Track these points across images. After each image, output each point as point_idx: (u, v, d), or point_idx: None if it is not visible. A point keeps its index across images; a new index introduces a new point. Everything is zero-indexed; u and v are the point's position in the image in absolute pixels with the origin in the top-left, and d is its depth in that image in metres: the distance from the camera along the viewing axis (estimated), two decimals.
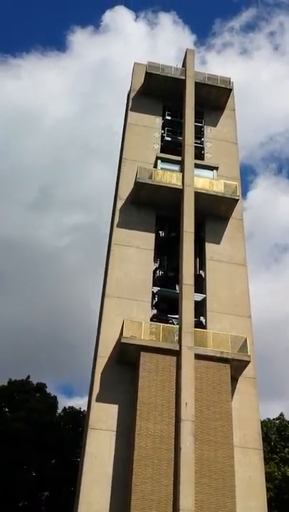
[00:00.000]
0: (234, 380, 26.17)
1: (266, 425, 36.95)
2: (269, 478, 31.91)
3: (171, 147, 34.93)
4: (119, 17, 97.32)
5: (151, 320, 28.04)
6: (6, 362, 54.37)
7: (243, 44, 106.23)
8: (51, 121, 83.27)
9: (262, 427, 30.43)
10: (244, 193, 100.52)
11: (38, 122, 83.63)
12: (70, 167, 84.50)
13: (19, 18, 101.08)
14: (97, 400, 24.89)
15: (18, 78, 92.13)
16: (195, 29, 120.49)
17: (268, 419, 38.36)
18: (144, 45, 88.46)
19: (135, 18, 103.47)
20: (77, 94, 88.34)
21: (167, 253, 32.12)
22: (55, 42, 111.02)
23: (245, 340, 26.54)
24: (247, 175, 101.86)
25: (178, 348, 25.59)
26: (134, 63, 38.50)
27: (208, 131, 36.11)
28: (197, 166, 32.51)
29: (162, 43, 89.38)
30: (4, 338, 66.70)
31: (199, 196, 30.85)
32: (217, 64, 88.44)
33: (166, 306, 29.91)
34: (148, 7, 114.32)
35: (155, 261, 30.99)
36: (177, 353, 25.52)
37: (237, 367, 26.02)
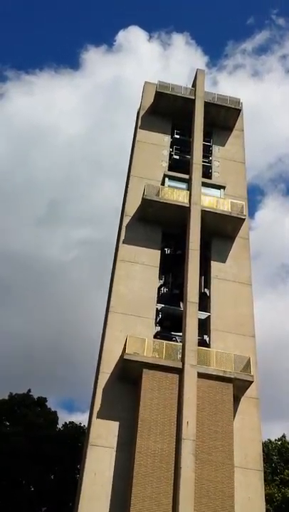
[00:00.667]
0: (236, 399, 26.02)
1: (267, 446, 36.62)
2: (269, 499, 31.54)
3: (179, 165, 35.22)
4: (133, 36, 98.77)
5: (155, 337, 27.99)
6: (8, 376, 54.29)
7: (255, 66, 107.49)
8: (63, 137, 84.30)
9: (263, 448, 30.21)
10: (252, 213, 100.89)
11: (50, 139, 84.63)
12: (80, 183, 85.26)
13: (34, 35, 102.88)
14: (98, 416, 24.78)
15: (31, 95, 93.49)
16: (207, 50, 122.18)
17: (270, 440, 38.01)
18: (157, 65, 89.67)
19: (148, 38, 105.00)
20: (89, 111, 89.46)
21: (172, 270, 32.19)
22: (69, 60, 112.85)
23: (249, 360, 26.44)
24: (255, 195, 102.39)
25: (181, 366, 25.53)
26: (145, 82, 39.06)
27: (217, 150, 36.42)
28: (204, 184, 32.74)
29: (175, 64, 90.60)
30: (7, 352, 66.68)
31: (206, 214, 31.00)
32: (228, 85, 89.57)
33: (169, 324, 29.87)
34: (161, 27, 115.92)
35: (160, 278, 31.06)
36: (180, 371, 25.44)
37: (240, 387, 25.89)
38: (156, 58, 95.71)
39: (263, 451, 30.52)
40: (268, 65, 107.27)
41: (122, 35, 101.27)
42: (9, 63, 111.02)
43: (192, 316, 27.29)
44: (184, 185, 32.59)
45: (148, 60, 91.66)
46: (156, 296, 29.35)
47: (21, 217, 79.65)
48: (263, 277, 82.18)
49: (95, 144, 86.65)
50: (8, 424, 34.75)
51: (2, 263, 73.12)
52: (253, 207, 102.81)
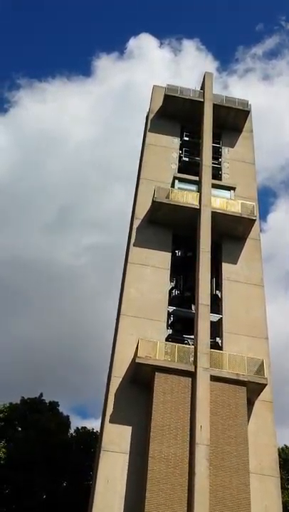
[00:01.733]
0: (250, 403, 25.51)
1: (285, 452, 35.84)
2: (284, 507, 30.76)
3: (189, 167, 35.03)
4: (144, 43, 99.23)
5: (167, 340, 27.61)
6: (20, 381, 54.10)
7: (266, 70, 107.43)
8: (74, 143, 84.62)
9: (280, 454, 29.55)
10: (264, 216, 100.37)
11: (61, 145, 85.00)
12: (91, 188, 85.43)
13: (46, 43, 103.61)
14: (111, 421, 24.40)
15: (44, 102, 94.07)
16: (218, 55, 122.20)
17: (286, 446, 37.28)
18: (168, 71, 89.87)
19: (159, 45, 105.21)
20: (101, 117, 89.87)
21: (183, 273, 31.84)
22: (81, 67, 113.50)
23: (262, 362, 25.95)
24: (267, 197, 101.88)
25: (193, 370, 25.10)
26: (153, 86, 39.03)
27: (226, 151, 36.17)
28: (214, 186, 32.49)
29: (185, 69, 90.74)
30: (19, 357, 66.61)
31: (216, 216, 30.67)
32: (239, 89, 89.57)
33: (181, 327, 29.49)
34: (172, 34, 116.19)
35: (171, 280, 30.72)
36: (192, 375, 25.01)
37: (253, 390, 25.39)
38: (167, 64, 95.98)
39: (280, 456, 29.88)
40: (278, 69, 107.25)
41: (132, 42, 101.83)
42: (22, 71, 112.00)
43: (204, 318, 26.88)
44: (193, 187, 32.34)
45: (159, 66, 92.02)
46: (167, 298, 29.01)
47: (32, 223, 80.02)
48: (275, 279, 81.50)
49: (106, 149, 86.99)
50: (20, 429, 34.42)
51: (14, 269, 73.35)
52: (265, 209, 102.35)
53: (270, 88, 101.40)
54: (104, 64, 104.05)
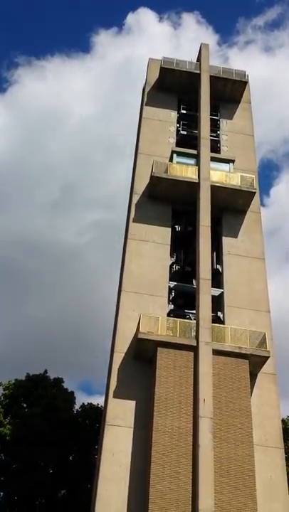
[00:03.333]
0: (253, 376, 25.60)
1: (285, 423, 36.08)
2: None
3: (187, 141, 34.52)
4: (143, 18, 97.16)
5: (168, 315, 27.61)
6: (26, 360, 54.41)
7: (267, 41, 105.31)
8: (76, 120, 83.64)
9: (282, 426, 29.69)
10: (267, 189, 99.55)
11: (63, 122, 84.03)
12: (93, 165, 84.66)
13: (43, 20, 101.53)
14: (115, 396, 24.53)
15: (43, 80, 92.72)
16: (219, 28, 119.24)
17: (288, 417, 37.54)
18: (168, 45, 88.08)
19: (158, 19, 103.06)
20: (101, 94, 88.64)
21: (184, 248, 31.64)
22: (79, 43, 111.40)
23: (264, 335, 25.94)
24: (271, 170, 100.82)
25: (195, 344, 25.12)
26: (149, 59, 38.26)
27: (224, 124, 35.61)
28: (213, 159, 32.05)
29: (186, 43, 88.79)
30: (25, 336, 66.96)
31: (216, 190, 30.34)
32: (240, 61, 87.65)
33: (183, 302, 29.46)
34: (171, 8, 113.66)
35: (171, 255, 30.53)
36: (195, 349, 25.04)
37: (256, 363, 25.45)
38: (167, 38, 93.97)
39: (282, 428, 30.06)
40: (280, 40, 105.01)
41: (131, 17, 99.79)
42: (20, 49, 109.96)
43: (205, 292, 26.79)
44: (192, 161, 31.91)
45: (159, 41, 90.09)
46: (168, 274, 28.90)
47: (35, 203, 79.58)
48: (280, 253, 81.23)
49: (108, 125, 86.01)
50: (25, 405, 34.68)
51: (17, 249, 73.26)
52: (268, 183, 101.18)
53: (271, 60, 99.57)
54: (103, 40, 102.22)
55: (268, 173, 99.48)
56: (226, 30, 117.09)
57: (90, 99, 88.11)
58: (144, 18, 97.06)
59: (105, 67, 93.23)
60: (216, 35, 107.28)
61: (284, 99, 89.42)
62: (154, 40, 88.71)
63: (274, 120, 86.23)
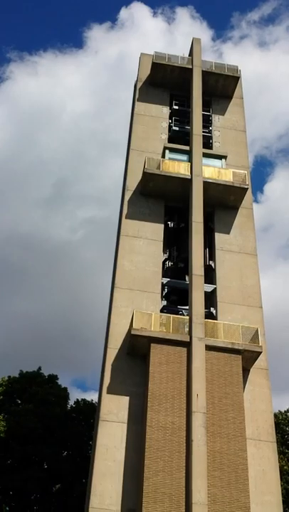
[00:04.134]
0: (246, 371, 25.83)
1: (277, 417, 36.45)
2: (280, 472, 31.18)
3: (179, 137, 34.59)
4: (136, 12, 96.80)
5: (161, 311, 27.75)
6: (20, 357, 54.48)
7: (262, 36, 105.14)
8: (69, 116, 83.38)
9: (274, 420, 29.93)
10: (261, 186, 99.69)
11: (56, 118, 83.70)
12: (87, 161, 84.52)
13: (35, 15, 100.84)
14: (108, 391, 24.69)
15: (36, 75, 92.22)
16: (213, 23, 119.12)
17: (280, 411, 37.93)
18: (162, 41, 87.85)
19: (152, 14, 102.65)
20: (95, 89, 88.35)
21: (176, 244, 31.78)
22: (72, 38, 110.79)
23: (257, 330, 26.14)
24: (265, 166, 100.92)
25: (188, 340, 25.29)
26: (141, 54, 38.14)
27: (216, 119, 35.65)
28: (205, 155, 32.07)
29: (180, 38, 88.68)
30: (19, 332, 66.97)
31: (208, 186, 30.44)
32: (234, 56, 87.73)
33: (176, 298, 29.62)
34: (165, 2, 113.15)
35: (164, 252, 30.67)
36: (188, 345, 25.22)
37: (248, 358, 25.66)
38: (161, 33, 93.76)
39: (274, 422, 30.29)
40: (274, 35, 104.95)
41: (124, 12, 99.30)
42: (12, 44, 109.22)
43: (198, 288, 26.95)
44: (184, 157, 31.96)
45: (152, 36, 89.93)
46: (161, 270, 29.01)
47: (29, 199, 79.45)
48: (273, 249, 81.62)
49: (101, 121, 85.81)
50: (19, 402, 34.80)
51: (11, 244, 73.10)
52: (262, 179, 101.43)
53: (266, 55, 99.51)
54: (96, 35, 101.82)
55: (262, 169, 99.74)
56: (220, 25, 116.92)
57: (84, 95, 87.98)
58: (138, 12, 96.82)
59: (98, 62, 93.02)
60: (210, 30, 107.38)
61: (278, 95, 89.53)
62: (148, 35, 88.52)
63: (268, 116, 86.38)
